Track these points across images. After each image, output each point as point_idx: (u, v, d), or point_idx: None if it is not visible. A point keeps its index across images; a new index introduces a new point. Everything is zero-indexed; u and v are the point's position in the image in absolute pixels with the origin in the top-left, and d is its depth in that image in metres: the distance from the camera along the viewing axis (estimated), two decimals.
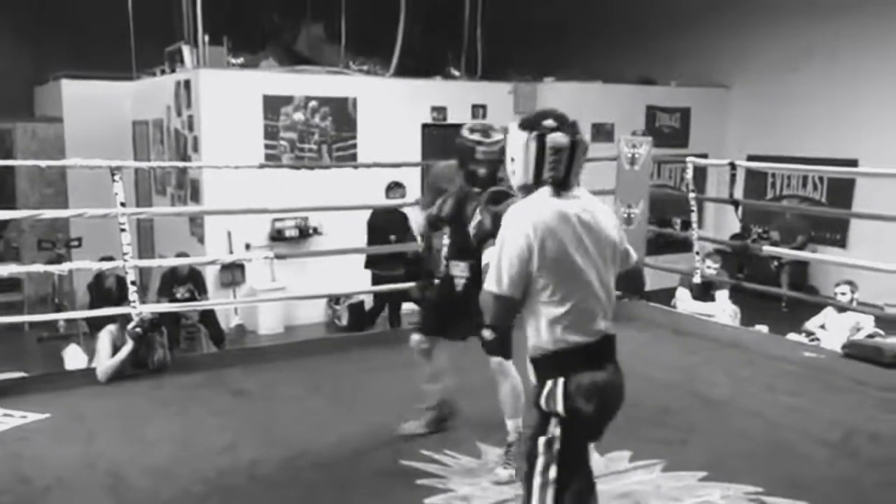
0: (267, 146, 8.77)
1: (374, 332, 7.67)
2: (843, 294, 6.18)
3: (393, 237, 7.46)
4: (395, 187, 8.01)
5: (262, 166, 6.52)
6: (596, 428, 2.33)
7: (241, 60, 9.59)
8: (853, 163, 8.94)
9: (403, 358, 5.07)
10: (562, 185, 2.32)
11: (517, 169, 2.37)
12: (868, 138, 9.19)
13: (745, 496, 3.22)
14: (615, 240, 2.38)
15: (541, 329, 2.30)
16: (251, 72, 9.19)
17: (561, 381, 2.25)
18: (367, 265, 7.93)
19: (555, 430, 2.25)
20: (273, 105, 8.76)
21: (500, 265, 2.28)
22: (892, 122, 9.12)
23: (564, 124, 2.33)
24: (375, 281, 7.78)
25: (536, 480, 2.23)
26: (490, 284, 2.31)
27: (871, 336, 5.68)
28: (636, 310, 6.34)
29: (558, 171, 2.30)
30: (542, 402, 2.28)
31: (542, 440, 2.26)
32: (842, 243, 9.76)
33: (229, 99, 8.56)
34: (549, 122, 2.32)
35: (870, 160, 8.45)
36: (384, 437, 3.82)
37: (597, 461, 3.50)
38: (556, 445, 2.24)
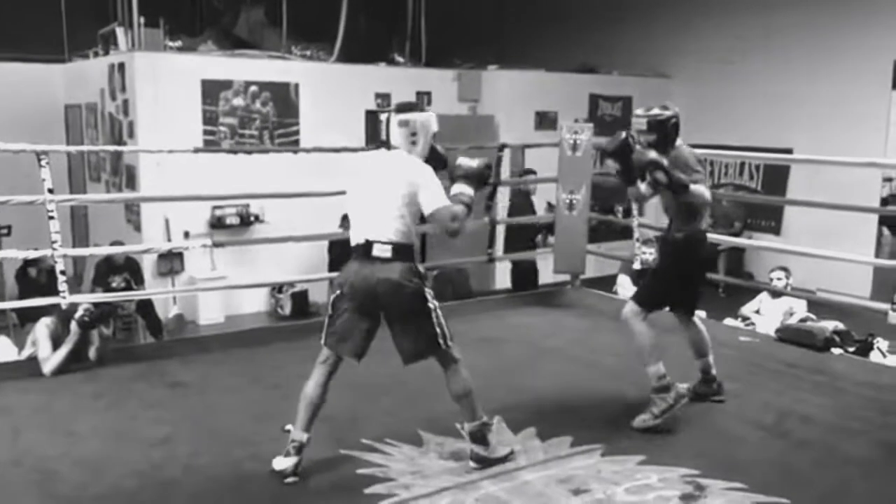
0: (206, 132, 8.57)
1: (314, 321, 7.53)
2: (777, 279, 6.33)
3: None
4: (347, 220, 8.17)
5: (196, 150, 6.35)
6: (351, 299, 3.29)
7: (178, 44, 9.34)
8: (788, 152, 9.16)
9: None
10: (384, 145, 3.34)
11: None
12: (801, 128, 9.44)
13: (681, 478, 3.28)
14: (404, 183, 3.21)
15: None
16: (189, 55, 8.96)
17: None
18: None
19: (333, 293, 3.36)
20: (212, 90, 8.56)
21: None
22: (823, 113, 9.38)
23: (398, 110, 3.33)
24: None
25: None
26: None
27: (803, 320, 5.84)
28: (578, 297, 6.41)
29: (381, 135, 3.37)
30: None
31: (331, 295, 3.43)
32: (776, 230, 10.03)
33: (166, 83, 8.32)
34: (389, 108, 3.46)
35: (803, 149, 8.68)
36: (324, 426, 3.76)
37: (536, 447, 3.55)
38: (330, 302, 3.38)
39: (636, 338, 3.85)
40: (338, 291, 3.32)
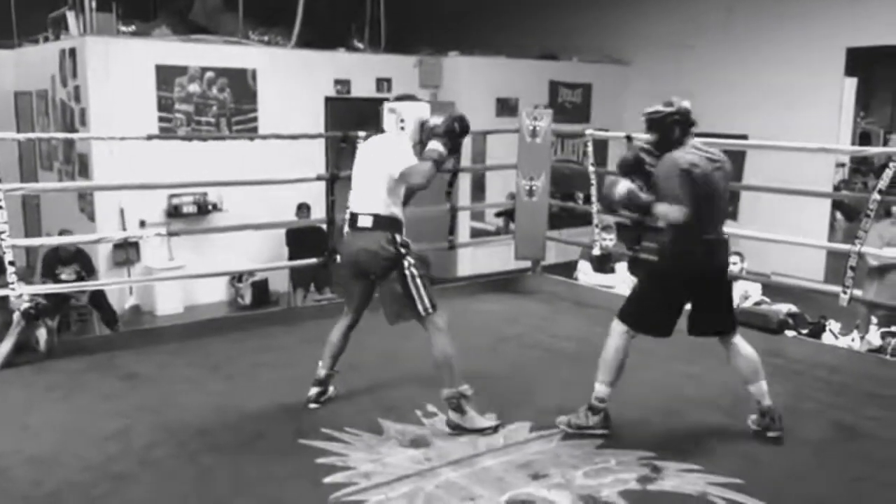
0: (161, 119, 8.43)
1: (273, 311, 7.51)
2: (732, 264, 6.40)
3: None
4: (303, 208, 8.37)
5: (150, 137, 6.19)
6: (344, 265, 3.79)
7: (132, 28, 9.16)
8: (743, 137, 9.28)
9: (303, 335, 5.01)
10: (381, 130, 3.74)
11: None
12: (756, 114, 9.58)
13: (638, 461, 3.31)
14: (382, 161, 3.58)
15: None
16: (143, 40, 8.79)
17: None
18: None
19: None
20: (167, 76, 8.41)
21: None
22: (778, 99, 9.53)
23: (393, 100, 3.76)
24: None
25: None
26: None
27: (758, 304, 5.93)
28: (539, 283, 6.44)
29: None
30: None
31: None
32: (733, 215, 10.15)
33: (119, 69, 8.15)
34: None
35: (758, 135, 8.81)
36: (283, 416, 3.74)
37: (497, 436, 3.56)
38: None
39: (605, 350, 3.56)
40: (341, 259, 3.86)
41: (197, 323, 5.73)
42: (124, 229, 8.07)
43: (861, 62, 9.69)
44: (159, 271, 8.26)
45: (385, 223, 3.57)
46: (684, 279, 3.52)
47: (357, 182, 3.72)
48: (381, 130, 3.75)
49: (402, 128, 3.64)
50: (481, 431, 3.54)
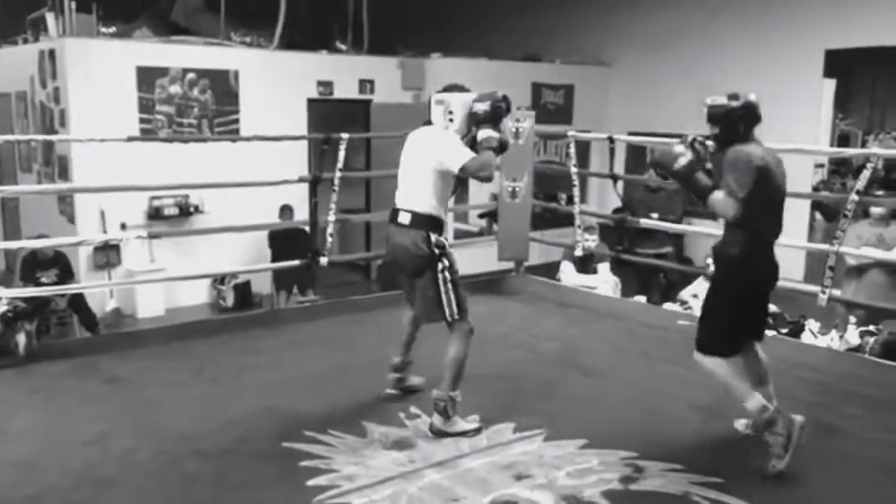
0: (142, 120, 8.36)
1: (257, 313, 7.48)
2: (709, 265, 6.45)
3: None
4: (286, 210, 8.33)
5: (130, 139, 6.15)
6: (390, 261, 3.74)
7: (112, 30, 9.11)
8: None
9: (287, 338, 5.00)
10: (427, 123, 3.62)
11: None
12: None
13: (620, 461, 3.33)
14: (427, 156, 3.52)
15: None
16: (123, 42, 8.72)
17: None
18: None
19: None
20: (147, 77, 8.34)
21: None
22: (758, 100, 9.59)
23: (440, 90, 3.65)
24: None
25: None
26: None
27: None
28: (522, 284, 6.46)
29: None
30: None
31: None
32: (714, 216, 10.19)
33: (99, 70, 8.09)
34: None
35: None
36: (267, 419, 3.73)
37: (480, 437, 3.57)
38: None
39: (714, 375, 3.34)
40: None
41: (179, 326, 5.70)
42: (105, 232, 8.00)
43: (840, 64, 9.78)
44: (140, 274, 8.19)
45: (423, 222, 3.51)
46: (754, 282, 3.34)
47: (401, 176, 3.63)
48: (428, 121, 3.64)
49: (451, 119, 3.53)
50: (464, 434, 3.54)
